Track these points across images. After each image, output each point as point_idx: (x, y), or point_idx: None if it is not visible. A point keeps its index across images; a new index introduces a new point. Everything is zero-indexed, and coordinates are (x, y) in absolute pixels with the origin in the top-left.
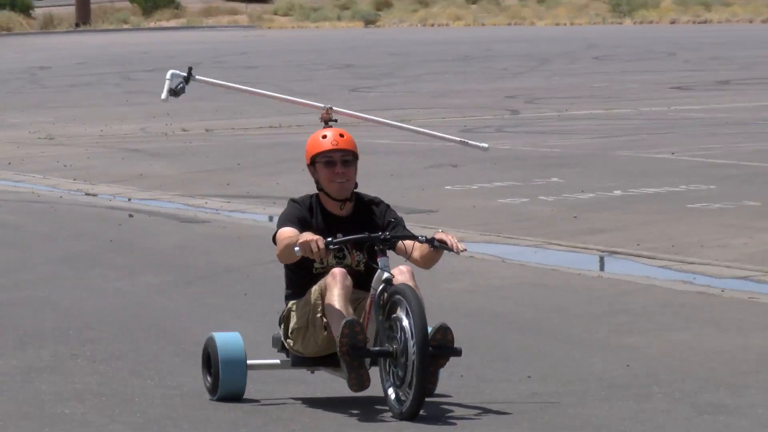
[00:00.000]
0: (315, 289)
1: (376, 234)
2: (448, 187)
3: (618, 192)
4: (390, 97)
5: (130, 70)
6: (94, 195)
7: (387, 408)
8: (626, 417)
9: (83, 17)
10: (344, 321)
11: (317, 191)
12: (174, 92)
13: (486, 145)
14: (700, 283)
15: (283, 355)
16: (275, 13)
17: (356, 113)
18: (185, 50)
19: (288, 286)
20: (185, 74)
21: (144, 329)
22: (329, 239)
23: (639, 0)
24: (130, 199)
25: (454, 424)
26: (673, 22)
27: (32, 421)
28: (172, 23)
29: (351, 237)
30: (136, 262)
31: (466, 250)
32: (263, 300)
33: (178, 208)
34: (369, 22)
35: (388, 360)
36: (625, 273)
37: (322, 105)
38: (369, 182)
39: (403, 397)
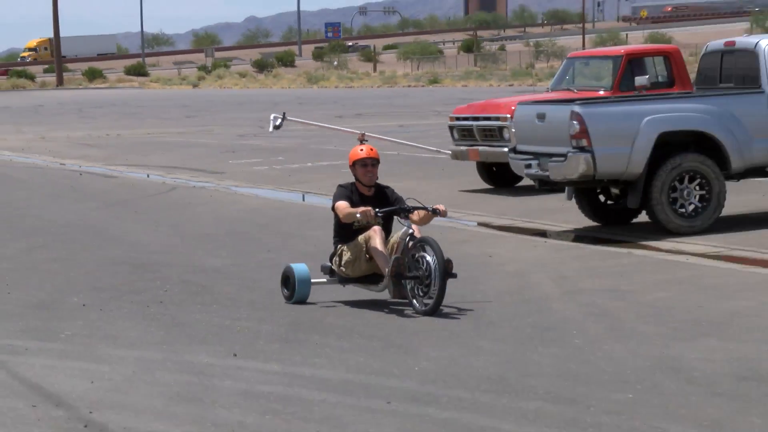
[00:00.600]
0: (361, 237)
1: (403, 206)
2: (231, 162)
3: (309, 164)
4: (208, 122)
5: (83, 107)
6: (64, 164)
7: (400, 308)
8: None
9: (60, 82)
10: (394, 258)
11: (354, 181)
12: (277, 127)
13: (450, 152)
14: None
15: (328, 276)
16: (151, 81)
17: (376, 135)
18: (108, 98)
19: (336, 235)
20: (282, 116)
21: (87, 229)
22: (377, 210)
23: (319, 76)
24: (81, 166)
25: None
26: (336, 87)
27: (31, 272)
28: (102, 85)
29: (390, 208)
30: (82, 196)
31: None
32: (150, 213)
33: (103, 171)
34: (195, 86)
35: (416, 281)
36: (314, 203)
37: (359, 131)
38: (195, 159)
39: (425, 304)
